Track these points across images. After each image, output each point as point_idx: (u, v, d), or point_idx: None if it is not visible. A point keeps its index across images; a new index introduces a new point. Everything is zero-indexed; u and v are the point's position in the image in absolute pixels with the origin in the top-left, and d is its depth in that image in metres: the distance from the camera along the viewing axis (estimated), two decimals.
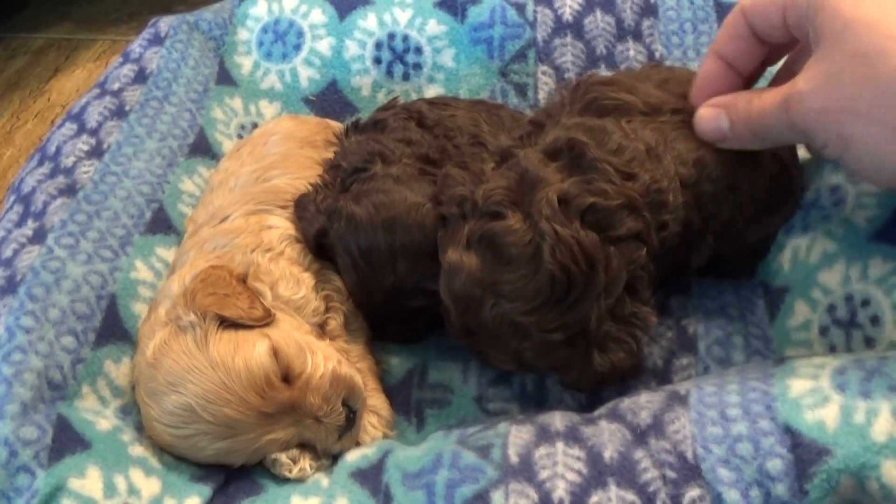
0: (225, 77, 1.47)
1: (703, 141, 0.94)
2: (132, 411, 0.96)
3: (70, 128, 1.21)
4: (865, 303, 0.91)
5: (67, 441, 0.85)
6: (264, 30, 1.50)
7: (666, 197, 0.91)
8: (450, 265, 0.93)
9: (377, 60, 1.47)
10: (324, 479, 0.89)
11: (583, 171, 0.90)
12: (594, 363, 0.91)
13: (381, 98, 1.47)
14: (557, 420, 0.87)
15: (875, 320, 0.89)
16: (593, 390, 0.93)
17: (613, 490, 0.76)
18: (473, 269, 0.91)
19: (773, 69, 0.99)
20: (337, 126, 1.37)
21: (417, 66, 1.46)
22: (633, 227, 0.89)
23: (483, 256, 0.90)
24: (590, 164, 0.90)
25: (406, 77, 1.47)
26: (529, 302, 0.88)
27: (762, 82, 0.99)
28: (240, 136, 1.42)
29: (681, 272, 1.06)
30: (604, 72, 1.39)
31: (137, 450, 0.90)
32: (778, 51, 0.95)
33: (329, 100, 1.49)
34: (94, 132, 1.20)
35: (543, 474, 0.79)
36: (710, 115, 0.94)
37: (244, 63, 1.49)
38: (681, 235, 0.95)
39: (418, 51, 1.46)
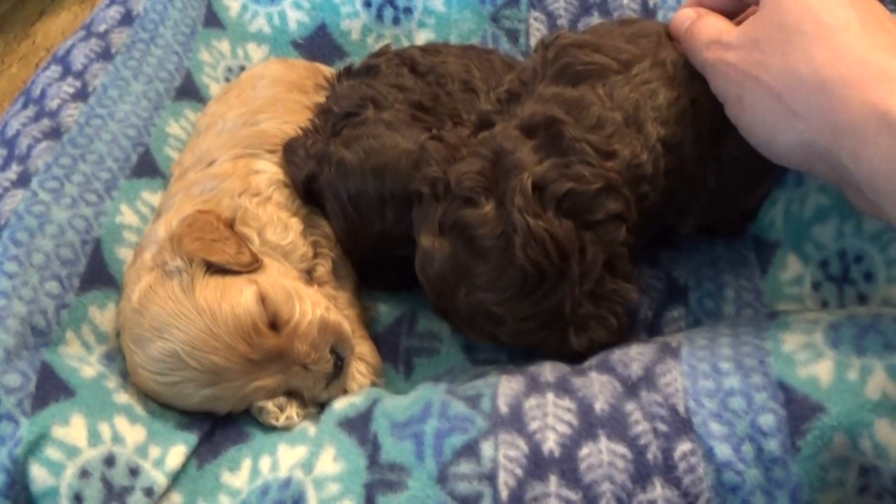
0: (212, 19, 1.44)
1: (682, 90, 0.93)
2: (117, 358, 0.95)
3: (55, 70, 1.19)
4: (859, 258, 0.90)
5: (51, 388, 0.84)
6: None
7: (646, 169, 0.90)
8: (423, 250, 0.93)
9: (367, 4, 1.44)
10: (311, 428, 0.89)
11: (560, 152, 0.89)
12: (572, 343, 0.90)
13: (371, 42, 1.45)
14: (547, 371, 0.87)
15: (868, 276, 0.89)
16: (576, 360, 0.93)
17: (604, 442, 0.76)
18: (446, 257, 0.90)
19: None
20: (326, 70, 1.36)
21: (408, 11, 1.44)
22: (613, 209, 0.88)
23: (455, 245, 0.90)
24: (568, 145, 0.88)
25: (396, 21, 1.45)
26: (502, 293, 0.88)
27: None
28: (227, 80, 1.40)
29: (669, 236, 1.05)
30: (596, 20, 1.38)
31: (122, 397, 0.89)
32: None
33: (318, 43, 1.46)
34: (79, 75, 1.18)
35: (533, 425, 0.78)
36: (685, 15, 0.95)
37: (232, 5, 1.46)
38: (665, 204, 0.94)
39: None
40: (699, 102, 0.92)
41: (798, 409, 0.72)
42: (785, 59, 0.77)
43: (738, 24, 0.87)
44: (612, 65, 0.94)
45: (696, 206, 0.98)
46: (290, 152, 1.10)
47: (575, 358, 0.91)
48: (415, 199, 0.97)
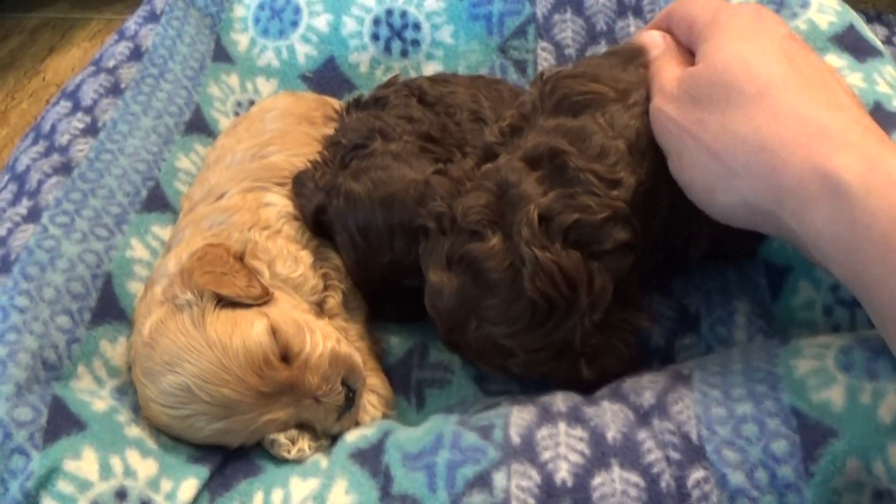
0: (221, 54, 1.45)
1: None
2: (129, 391, 0.95)
3: (65, 106, 1.20)
4: None
5: (62, 422, 0.84)
6: (261, 6, 1.48)
7: (651, 195, 0.89)
8: (432, 285, 0.93)
9: (375, 37, 1.45)
10: (323, 460, 0.88)
11: (565, 183, 0.88)
12: (583, 373, 0.90)
13: (379, 75, 1.46)
14: (559, 400, 0.86)
15: None
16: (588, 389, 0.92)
17: (617, 471, 0.76)
18: (454, 292, 0.90)
19: None
20: (335, 102, 1.36)
21: (416, 43, 1.45)
22: (621, 238, 0.87)
23: (463, 279, 0.89)
24: (572, 175, 0.87)
25: (404, 54, 1.46)
26: (512, 325, 0.88)
27: None
28: (236, 114, 1.41)
29: (680, 262, 1.05)
30: (604, 48, 1.38)
31: (134, 431, 0.89)
32: None
33: (327, 76, 1.47)
34: (89, 110, 1.18)
35: (546, 455, 0.78)
36: (652, 41, 0.95)
37: (241, 40, 1.48)
38: (673, 229, 0.94)
39: (417, 27, 1.44)
40: None
41: (811, 434, 0.71)
42: (723, 118, 0.76)
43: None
44: (609, 93, 0.93)
45: (705, 228, 0.98)
46: (299, 185, 1.11)
47: (587, 387, 0.90)
48: (421, 234, 0.96)
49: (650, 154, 0.89)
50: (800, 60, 0.77)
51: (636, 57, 0.97)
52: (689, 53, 0.90)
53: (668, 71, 0.88)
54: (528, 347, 0.89)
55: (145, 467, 0.85)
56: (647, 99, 0.92)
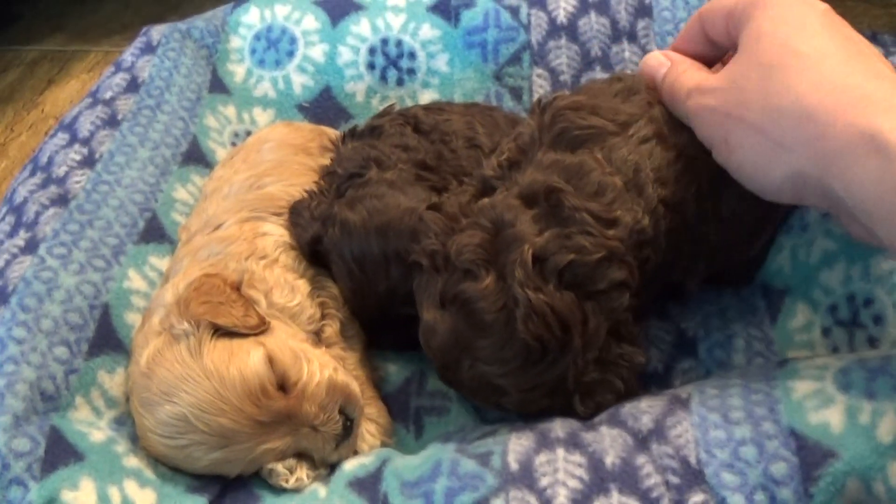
0: (218, 85, 1.46)
1: (679, 149, 0.92)
2: (127, 422, 0.95)
3: (62, 138, 1.20)
4: (868, 302, 0.90)
5: (60, 453, 0.84)
6: (257, 37, 1.49)
7: (647, 234, 0.89)
8: (425, 324, 0.93)
9: (371, 66, 1.45)
10: (321, 489, 0.88)
11: (561, 223, 0.88)
12: (577, 410, 0.90)
13: (376, 104, 1.46)
14: (557, 426, 0.86)
15: (878, 319, 0.89)
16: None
17: (616, 496, 0.75)
18: (448, 331, 0.90)
19: None
20: (332, 132, 1.37)
21: (411, 72, 1.45)
22: (616, 278, 0.87)
23: (456, 319, 0.89)
24: (568, 215, 0.87)
25: (400, 82, 1.46)
26: (505, 366, 0.88)
27: None
28: (233, 144, 1.41)
29: (677, 293, 1.05)
30: (599, 74, 1.39)
31: (132, 461, 0.89)
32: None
33: (323, 106, 1.47)
34: (86, 142, 1.19)
35: (544, 481, 0.78)
36: (657, 62, 0.97)
37: (237, 71, 1.48)
38: (669, 263, 0.94)
39: (412, 56, 1.45)
40: (697, 159, 0.91)
41: (810, 455, 0.71)
42: (765, 94, 0.77)
43: (715, 72, 0.88)
44: (608, 126, 0.93)
45: (702, 262, 0.98)
46: (295, 214, 1.11)
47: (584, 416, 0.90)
48: (415, 269, 0.96)
49: (648, 190, 0.90)
50: (839, 34, 0.78)
51: (640, 88, 0.97)
52: (700, 63, 0.93)
53: (691, 74, 0.90)
54: (521, 387, 0.89)
55: (143, 497, 0.85)
56: (647, 127, 0.93)
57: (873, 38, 1.07)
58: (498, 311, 0.86)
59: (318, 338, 1.04)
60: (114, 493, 0.83)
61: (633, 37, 1.41)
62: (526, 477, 0.78)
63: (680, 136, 0.92)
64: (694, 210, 0.93)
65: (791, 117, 0.74)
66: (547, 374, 0.87)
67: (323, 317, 1.06)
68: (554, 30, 1.42)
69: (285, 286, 1.03)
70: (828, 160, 0.71)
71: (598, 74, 1.40)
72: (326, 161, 1.23)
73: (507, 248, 0.88)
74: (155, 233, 1.16)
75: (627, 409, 0.87)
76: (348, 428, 0.93)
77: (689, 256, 0.96)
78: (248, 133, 1.43)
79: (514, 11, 1.44)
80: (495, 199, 0.93)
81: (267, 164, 1.22)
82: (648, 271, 0.91)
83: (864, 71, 0.74)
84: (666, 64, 0.95)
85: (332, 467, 0.93)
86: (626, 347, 0.91)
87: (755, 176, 0.81)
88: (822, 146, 0.72)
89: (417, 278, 0.96)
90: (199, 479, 0.91)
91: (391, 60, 1.45)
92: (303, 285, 1.05)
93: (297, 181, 1.18)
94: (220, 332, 0.91)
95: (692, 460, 0.76)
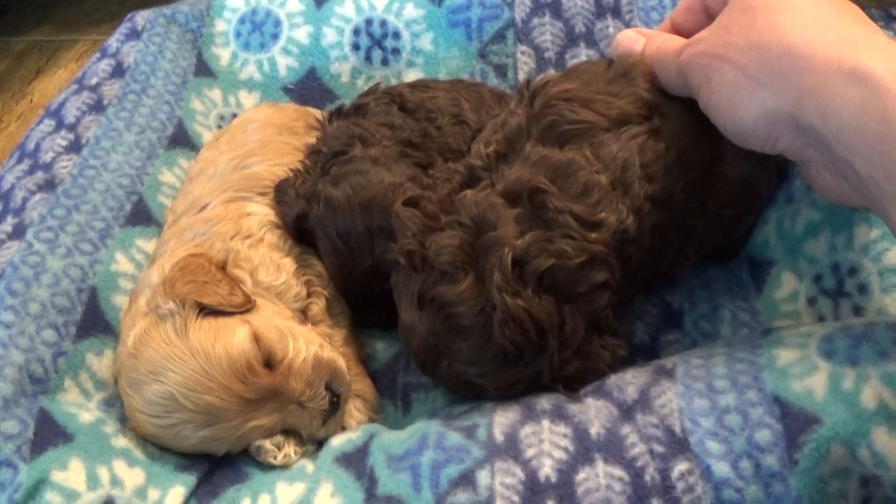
0: (203, 69, 1.46)
1: (670, 142, 0.92)
2: (115, 403, 0.96)
3: (48, 124, 1.20)
4: (853, 271, 0.90)
5: (49, 434, 0.85)
6: (241, 20, 1.49)
7: (631, 233, 0.89)
8: (404, 324, 0.93)
9: (355, 46, 1.45)
10: (309, 465, 0.89)
11: (543, 225, 0.87)
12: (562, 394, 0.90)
13: (361, 84, 1.46)
14: (543, 399, 0.87)
15: (862, 288, 0.89)
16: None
17: (601, 466, 0.76)
18: (426, 332, 0.91)
19: None
20: (317, 113, 1.37)
21: (396, 51, 1.45)
22: (597, 280, 0.87)
23: (435, 320, 0.89)
24: (551, 217, 0.87)
25: (385, 62, 1.46)
26: (482, 366, 0.88)
27: None
28: (219, 127, 1.41)
29: (666, 280, 1.06)
30: (583, 51, 1.39)
31: (121, 441, 0.89)
32: None
33: (308, 88, 1.47)
34: (72, 127, 1.19)
35: (529, 452, 0.78)
36: (631, 38, 0.99)
37: (222, 54, 1.48)
38: (656, 257, 0.95)
39: (396, 35, 1.45)
40: (687, 153, 0.92)
41: (794, 422, 0.71)
42: (749, 31, 0.79)
43: None
44: (600, 122, 0.93)
45: (691, 253, 0.99)
46: (280, 193, 1.11)
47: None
48: (392, 266, 0.96)
49: (634, 188, 0.89)
50: None
51: (629, 69, 0.97)
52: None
53: (674, 40, 0.92)
54: (499, 385, 0.90)
55: (132, 477, 0.86)
56: (643, 127, 0.93)
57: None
58: (476, 315, 0.86)
59: (304, 316, 1.04)
60: (103, 473, 0.84)
61: (617, 12, 1.41)
62: (511, 448, 0.79)
63: (672, 124, 0.93)
64: (681, 203, 0.93)
65: (772, 52, 0.76)
66: (524, 372, 0.88)
67: (309, 295, 1.06)
68: (538, 7, 1.42)
69: (271, 265, 1.03)
70: (805, 93, 0.72)
71: (583, 51, 1.40)
72: (312, 140, 1.23)
73: (486, 250, 0.87)
74: (141, 216, 1.16)
75: (613, 380, 0.87)
76: (335, 404, 0.94)
77: (677, 249, 0.96)
78: (234, 116, 1.43)
79: None
80: (478, 196, 0.92)
81: (252, 144, 1.22)
82: (631, 269, 0.91)
83: (849, 18, 0.75)
84: (641, 40, 0.97)
85: (320, 444, 0.93)
86: (607, 339, 0.91)
87: (732, 115, 0.82)
88: (801, 80, 0.73)
89: (395, 275, 0.95)
90: (187, 458, 0.91)
91: (376, 40, 1.45)
92: (288, 264, 1.06)
93: (282, 161, 1.18)
94: (206, 310, 0.91)
95: (677, 429, 0.76)
